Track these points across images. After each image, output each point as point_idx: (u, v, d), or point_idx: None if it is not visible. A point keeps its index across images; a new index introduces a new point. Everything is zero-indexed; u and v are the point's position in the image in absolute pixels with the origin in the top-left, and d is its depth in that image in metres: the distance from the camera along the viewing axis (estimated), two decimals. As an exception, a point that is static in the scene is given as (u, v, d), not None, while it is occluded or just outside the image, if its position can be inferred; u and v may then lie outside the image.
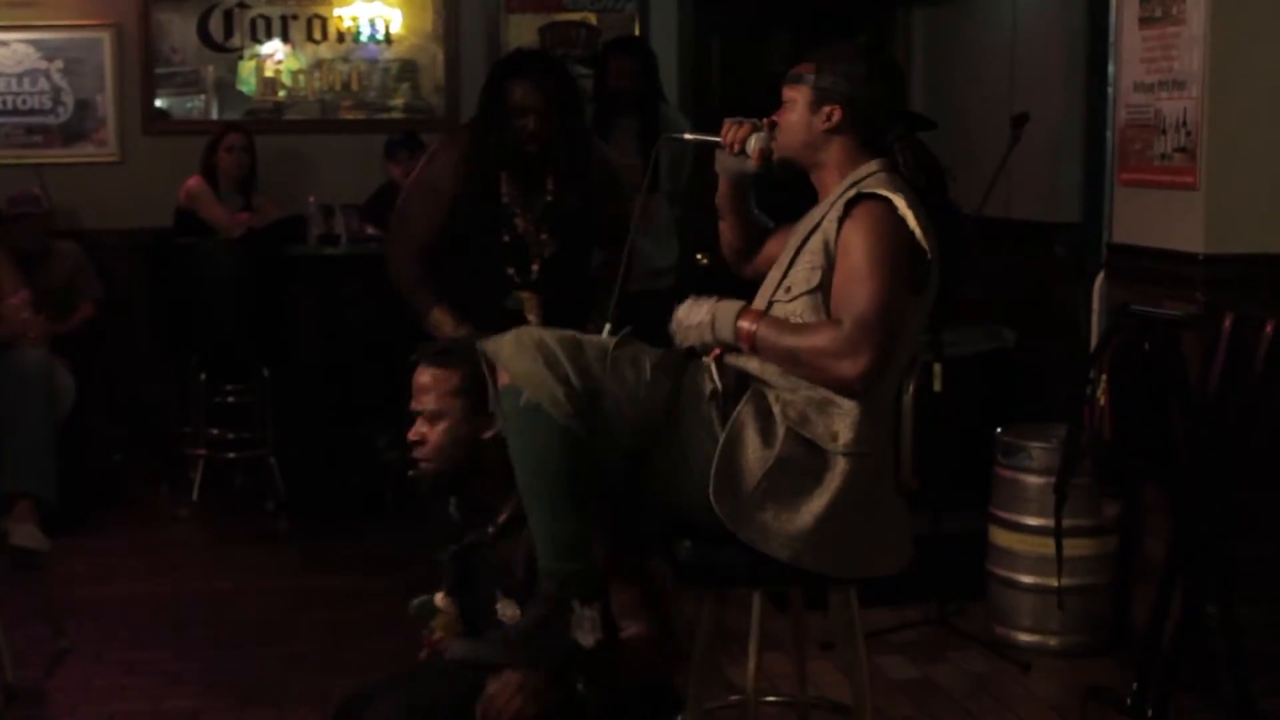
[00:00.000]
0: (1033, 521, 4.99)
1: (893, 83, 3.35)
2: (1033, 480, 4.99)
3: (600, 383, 3.04)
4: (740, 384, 3.14)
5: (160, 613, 5.49)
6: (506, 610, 3.16)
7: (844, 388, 3.01)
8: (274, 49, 7.79)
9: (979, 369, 5.99)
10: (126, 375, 7.36)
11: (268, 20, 7.75)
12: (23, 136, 7.63)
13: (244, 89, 7.79)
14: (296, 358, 7.13)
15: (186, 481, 7.00)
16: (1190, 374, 4.38)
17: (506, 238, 4.65)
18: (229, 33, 7.75)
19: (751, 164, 3.47)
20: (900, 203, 3.08)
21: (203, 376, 6.96)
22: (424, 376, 3.31)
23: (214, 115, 7.75)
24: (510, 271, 4.65)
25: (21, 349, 6.10)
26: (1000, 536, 5.14)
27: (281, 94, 7.83)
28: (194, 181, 7.15)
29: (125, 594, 5.70)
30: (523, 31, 7.83)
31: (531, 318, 4.60)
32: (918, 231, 3.06)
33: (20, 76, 7.60)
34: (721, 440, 3.05)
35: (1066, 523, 4.54)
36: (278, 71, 7.82)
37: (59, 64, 7.62)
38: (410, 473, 3.35)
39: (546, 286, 4.68)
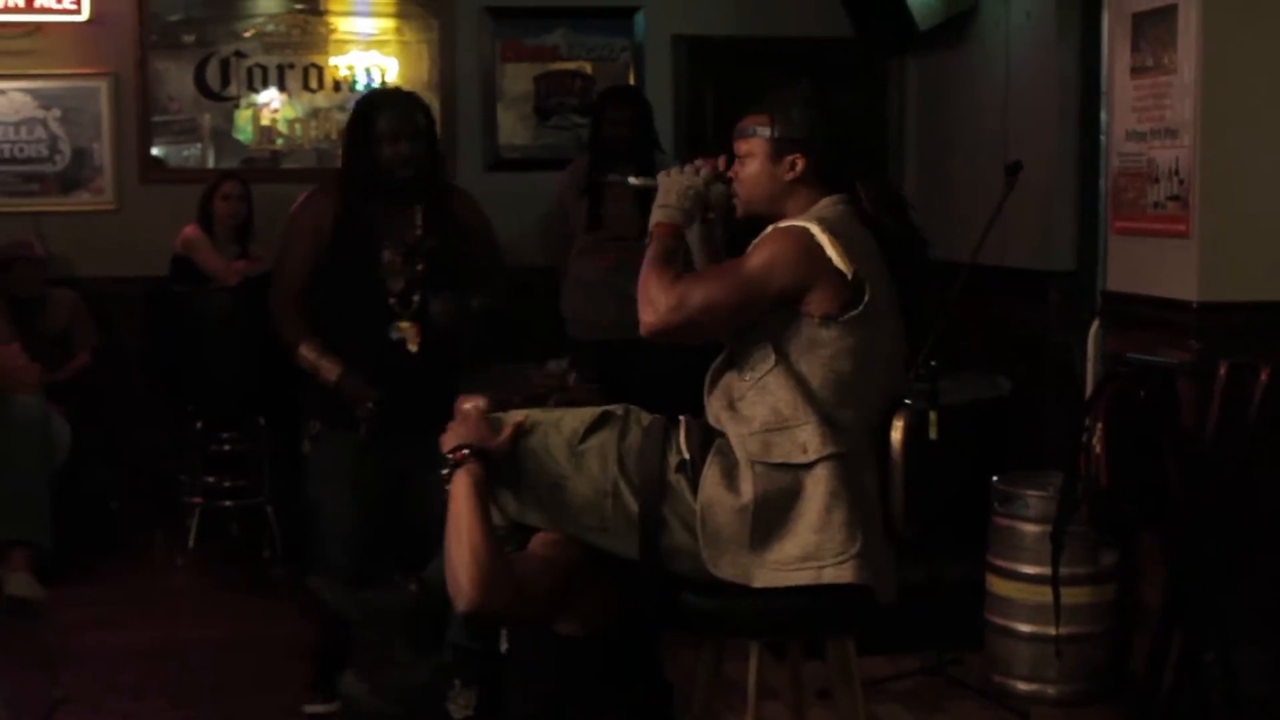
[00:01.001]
0: (1030, 570, 4.99)
1: (846, 121, 3.37)
2: (1030, 528, 4.99)
3: (566, 479, 3.13)
4: (705, 443, 3.18)
5: (156, 661, 5.48)
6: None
7: (640, 317, 3.19)
8: (270, 98, 7.81)
9: (975, 417, 5.99)
10: (122, 423, 7.35)
11: (264, 69, 7.78)
12: (19, 185, 7.64)
13: (241, 138, 7.82)
14: (292, 405, 7.12)
15: (183, 530, 6.99)
16: (1185, 421, 4.40)
17: (384, 269, 4.64)
18: (225, 81, 7.77)
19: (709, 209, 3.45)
20: (817, 229, 3.11)
21: (199, 424, 6.96)
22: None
23: (210, 164, 7.77)
24: (391, 302, 4.65)
25: (17, 396, 6.11)
26: (997, 585, 5.14)
27: (278, 142, 7.86)
28: (190, 230, 7.17)
29: (122, 643, 5.68)
30: (518, 80, 7.86)
31: (413, 348, 4.61)
32: (835, 257, 3.08)
33: (18, 125, 7.62)
34: (698, 513, 3.09)
35: (1064, 571, 4.55)
36: (274, 120, 7.85)
37: (56, 112, 7.64)
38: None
39: (426, 317, 4.67)
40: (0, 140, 7.62)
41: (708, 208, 3.39)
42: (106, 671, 5.33)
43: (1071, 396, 5.52)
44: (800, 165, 3.26)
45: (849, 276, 3.08)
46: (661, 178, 3.42)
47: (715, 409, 3.23)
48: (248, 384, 6.86)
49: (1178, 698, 4.26)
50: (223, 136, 7.81)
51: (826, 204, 3.23)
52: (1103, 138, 5.27)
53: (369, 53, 7.85)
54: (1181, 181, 4.70)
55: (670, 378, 6.83)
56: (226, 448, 7.09)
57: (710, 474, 3.10)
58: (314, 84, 7.83)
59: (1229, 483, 4.27)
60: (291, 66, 7.82)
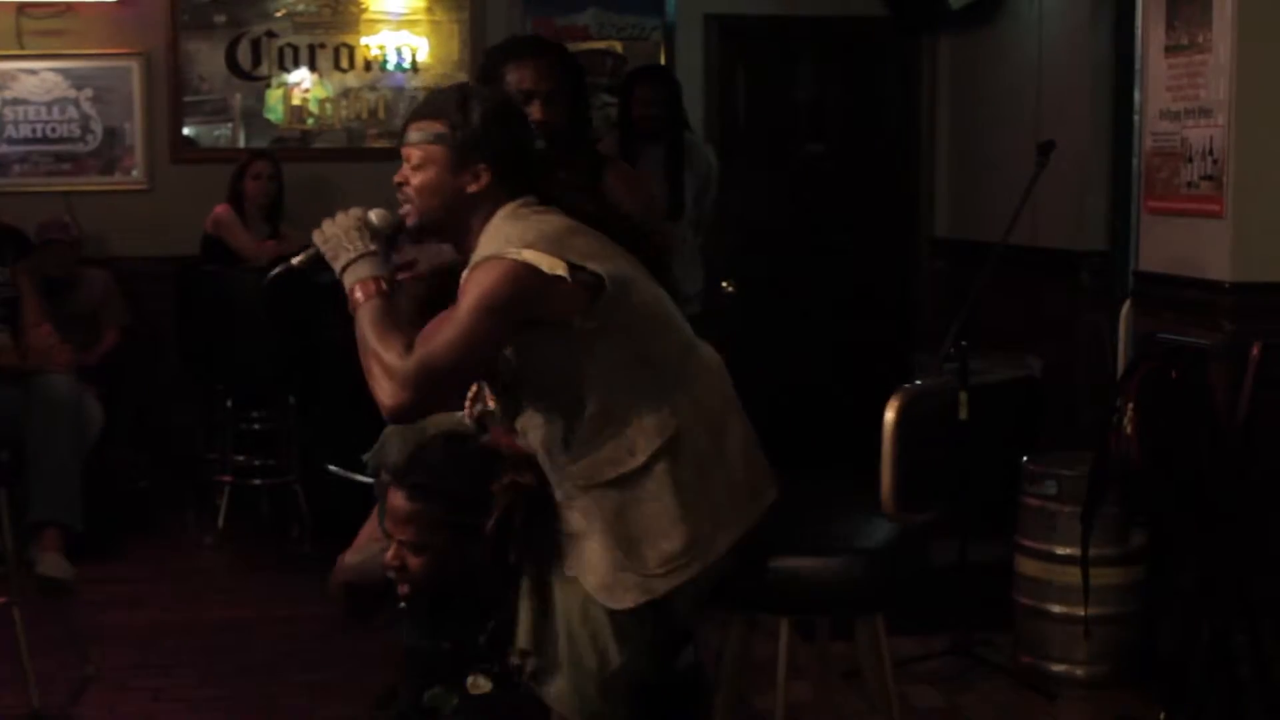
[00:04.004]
0: (1060, 550, 4.97)
1: (524, 120, 3.13)
2: (1059, 509, 4.97)
3: None
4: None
5: (185, 640, 5.50)
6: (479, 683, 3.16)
7: (377, 401, 2.89)
8: (301, 77, 7.82)
9: (1005, 397, 5.96)
10: (153, 402, 7.38)
11: (295, 49, 7.78)
12: (52, 164, 7.67)
13: (271, 117, 7.83)
14: (322, 384, 7.14)
15: (212, 508, 7.01)
16: (1217, 402, 4.37)
17: None
18: (257, 61, 7.78)
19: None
20: (515, 252, 2.86)
21: (229, 403, 6.98)
22: (401, 504, 3.13)
23: (241, 143, 7.78)
24: None
25: (49, 377, 6.15)
26: (1027, 565, 5.12)
27: (309, 122, 7.86)
28: (221, 209, 7.19)
29: (151, 621, 5.71)
30: (549, 60, 7.84)
31: None
32: (545, 266, 2.83)
33: (50, 105, 7.64)
34: (571, 569, 3.01)
35: (1093, 552, 4.52)
36: (305, 100, 7.86)
37: (88, 93, 7.66)
38: (401, 604, 3.23)
39: None
40: (33, 120, 7.64)
41: (373, 236, 3.03)
42: (136, 650, 5.36)
43: (1103, 377, 5.49)
44: (486, 178, 2.98)
45: (568, 277, 2.84)
46: (317, 237, 3.05)
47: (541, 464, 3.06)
48: (278, 363, 6.87)
49: (1207, 679, 4.24)
50: (254, 116, 7.82)
51: (509, 211, 2.98)
52: (1136, 117, 5.23)
53: (400, 32, 7.85)
54: (1215, 161, 4.67)
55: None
56: (256, 427, 7.10)
57: (561, 527, 3.02)
58: (345, 64, 7.83)
59: (1261, 464, 4.25)
60: (322, 46, 7.82)
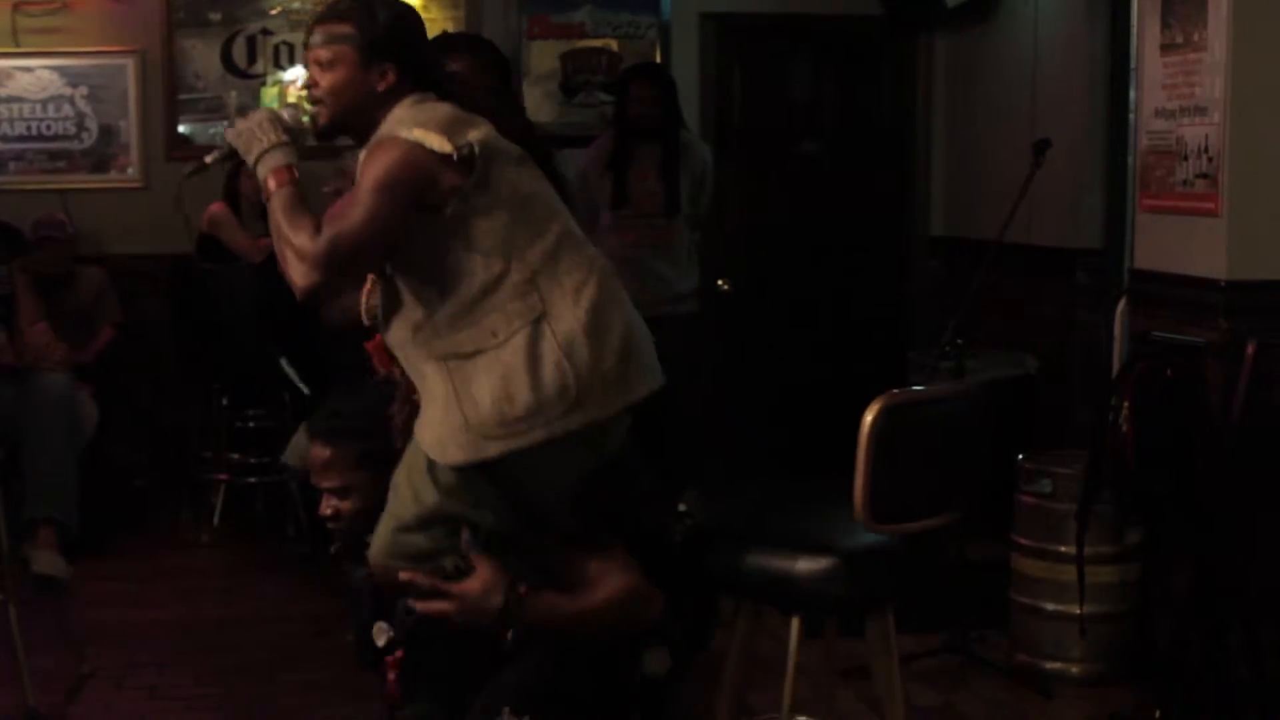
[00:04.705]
0: (1055, 548, 4.97)
1: (423, 26, 3.21)
2: (1055, 507, 4.98)
3: None
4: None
5: (181, 638, 5.50)
6: None
7: (290, 282, 2.98)
8: (296, 75, 7.81)
9: (1001, 395, 5.97)
10: (148, 400, 7.38)
11: (290, 47, 7.77)
12: (46, 162, 7.66)
13: (266, 115, 7.81)
14: (318, 382, 7.14)
15: (208, 507, 7.02)
16: (1213, 400, 4.37)
17: None
18: (252, 59, 7.78)
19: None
20: (405, 132, 2.98)
21: (224, 401, 6.98)
22: (322, 454, 3.31)
23: (237, 142, 7.76)
24: None
25: (44, 374, 6.15)
26: (1022, 563, 5.12)
27: (304, 119, 7.84)
28: (216, 207, 7.18)
29: (147, 619, 5.71)
30: (544, 57, 7.84)
31: None
32: (438, 143, 2.95)
33: (45, 103, 7.64)
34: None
35: (1088, 550, 4.53)
36: (300, 97, 7.84)
37: (83, 90, 7.65)
38: (332, 548, 3.38)
39: None
40: (28, 117, 7.64)
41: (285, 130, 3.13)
42: (131, 647, 5.36)
43: (1098, 375, 5.49)
44: (393, 77, 3.08)
45: (454, 155, 2.96)
46: (229, 134, 3.18)
47: (402, 349, 3.13)
48: (273, 361, 6.87)
49: (1202, 678, 4.25)
50: (248, 113, 7.80)
51: (407, 103, 3.08)
52: (1131, 115, 5.23)
53: (394, 30, 7.84)
54: (1210, 159, 4.67)
55: (692, 355, 6.89)
56: (252, 425, 7.10)
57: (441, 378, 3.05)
58: (340, 61, 7.82)
59: (1256, 462, 4.25)
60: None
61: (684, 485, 3.59)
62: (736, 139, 8.00)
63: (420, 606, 3.09)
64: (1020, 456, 5.17)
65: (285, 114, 3.17)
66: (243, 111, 7.75)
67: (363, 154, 3.07)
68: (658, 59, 7.88)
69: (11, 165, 7.61)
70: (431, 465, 3.04)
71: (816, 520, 3.55)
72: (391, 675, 3.29)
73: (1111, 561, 4.95)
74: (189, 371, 7.20)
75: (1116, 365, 4.98)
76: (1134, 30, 5.21)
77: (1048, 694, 4.90)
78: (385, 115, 3.08)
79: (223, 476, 7.02)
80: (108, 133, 7.70)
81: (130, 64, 7.66)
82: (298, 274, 2.95)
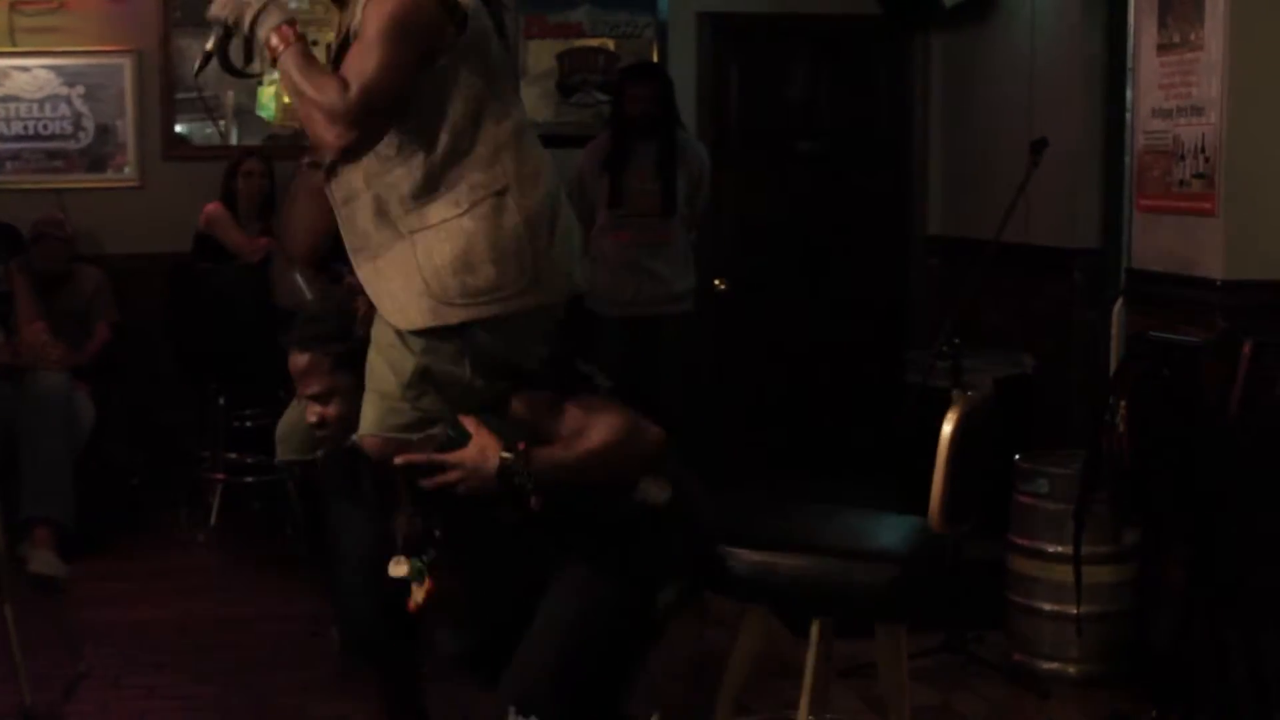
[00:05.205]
0: (1052, 548, 4.97)
1: None
2: (1052, 507, 4.98)
3: None
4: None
5: (178, 637, 5.49)
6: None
7: (320, 143, 3.00)
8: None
9: (998, 394, 5.97)
10: (145, 400, 7.36)
11: (287, 46, 7.76)
12: (44, 161, 7.65)
13: (264, 115, 7.79)
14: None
15: (204, 506, 7.01)
16: (1210, 400, 4.37)
17: None
18: (249, 59, 7.73)
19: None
20: None
21: (221, 401, 6.97)
22: (300, 361, 3.45)
23: (233, 141, 7.76)
24: None
25: (41, 374, 6.15)
26: (1019, 563, 5.12)
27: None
28: (213, 207, 7.18)
29: (143, 618, 5.70)
30: (541, 57, 7.83)
31: None
32: None
33: (42, 102, 7.63)
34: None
35: (1086, 549, 4.53)
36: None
37: (80, 89, 7.64)
38: (319, 452, 3.50)
39: None
40: (25, 117, 7.62)
41: None
42: (128, 647, 5.35)
43: (1095, 374, 5.50)
44: None
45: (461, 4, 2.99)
46: (215, 9, 3.20)
47: (367, 239, 3.13)
48: (270, 360, 6.85)
49: (1200, 677, 4.24)
50: (246, 114, 7.80)
51: None
52: (1128, 115, 5.24)
53: (392, 30, 7.83)
54: (1207, 159, 4.67)
55: (689, 355, 6.89)
56: (249, 424, 7.09)
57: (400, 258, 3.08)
58: (337, 61, 7.81)
59: (1253, 462, 4.25)
60: (315, 44, 7.71)
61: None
62: (734, 138, 8.00)
63: (425, 484, 3.11)
64: (1017, 456, 5.17)
65: None
66: (239, 112, 7.76)
67: (360, 5, 3.04)
68: (655, 58, 7.88)
69: (8, 165, 7.59)
70: (400, 334, 3.07)
71: (847, 522, 3.59)
72: (421, 596, 3.26)
73: (1109, 561, 4.95)
74: (186, 370, 7.19)
75: (1114, 365, 4.99)
76: (1131, 30, 5.21)
77: (1045, 694, 4.90)
78: None
79: (219, 476, 7.02)
80: (104, 132, 7.69)
81: (127, 63, 7.65)
82: (333, 134, 2.95)
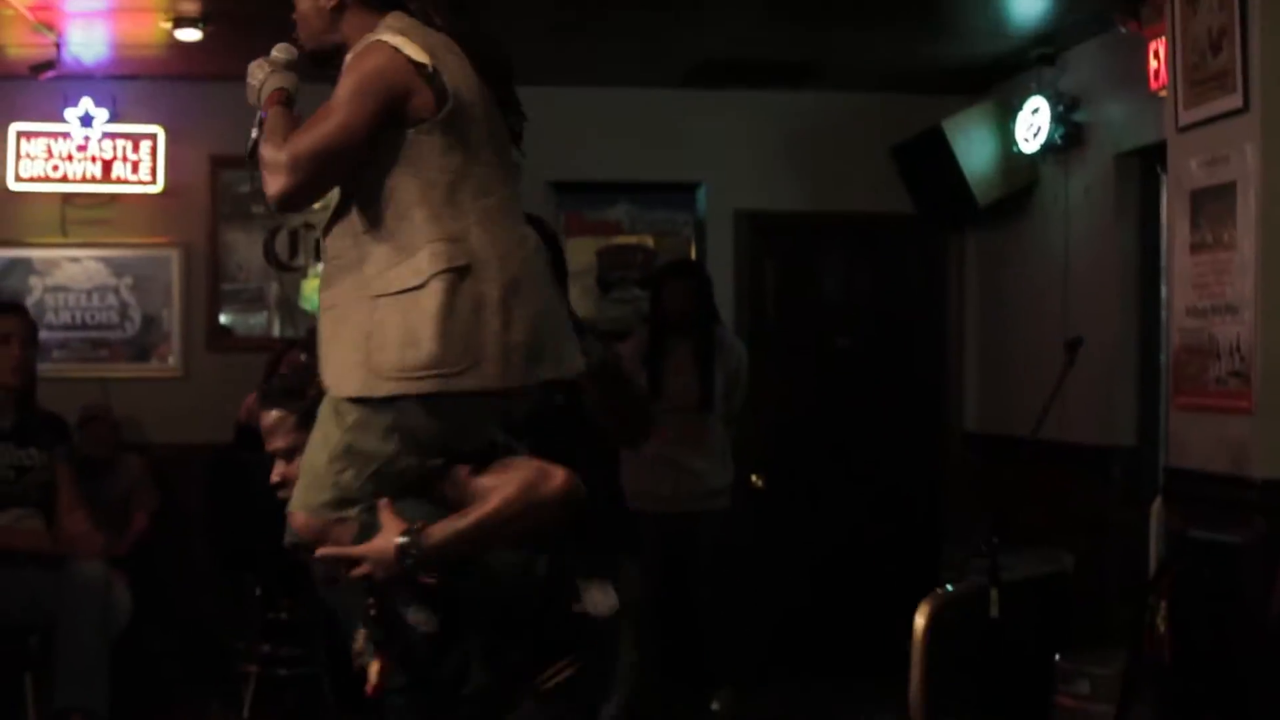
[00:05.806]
0: (1094, 750, 4.90)
1: None
2: (1094, 708, 4.91)
3: None
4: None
5: (208, 832, 5.43)
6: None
7: (266, 194, 3.01)
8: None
9: (1037, 594, 5.92)
10: (182, 588, 7.37)
11: (332, 241, 7.89)
12: (89, 351, 7.75)
13: (307, 307, 7.91)
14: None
15: (237, 698, 6.96)
16: (1251, 600, 4.33)
17: None
18: (294, 252, 7.90)
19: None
20: (386, 35, 3.03)
21: (257, 591, 6.96)
22: (268, 419, 3.54)
23: (276, 332, 7.87)
24: None
25: (79, 562, 6.15)
26: (1061, 765, 5.04)
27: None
28: (255, 398, 7.23)
29: (174, 812, 5.64)
30: (581, 253, 7.90)
31: None
32: (412, 51, 3.00)
33: (90, 292, 7.76)
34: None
35: (1128, 752, 4.46)
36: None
37: (128, 280, 7.78)
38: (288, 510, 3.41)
39: None
40: (73, 306, 7.75)
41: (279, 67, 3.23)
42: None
43: (1135, 573, 5.46)
44: None
45: (429, 67, 3.00)
46: (250, 98, 3.23)
47: (335, 308, 3.13)
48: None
49: None
50: (289, 305, 7.92)
51: (385, 20, 3.11)
52: (1164, 313, 5.27)
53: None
54: (1243, 358, 4.69)
55: (729, 552, 6.86)
56: (284, 616, 7.07)
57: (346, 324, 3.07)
58: (380, 255, 7.92)
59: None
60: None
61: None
62: (771, 334, 8.06)
63: (343, 576, 3.11)
64: (1057, 656, 5.11)
65: (275, 52, 3.23)
66: (283, 303, 7.87)
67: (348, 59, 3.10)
68: (693, 255, 7.97)
69: (55, 353, 7.68)
70: (336, 406, 3.06)
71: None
72: (375, 671, 3.25)
73: (1152, 764, 4.86)
74: (223, 561, 7.19)
75: (1153, 564, 4.95)
76: (1164, 229, 5.27)
77: None
78: (350, 30, 3.13)
79: (253, 668, 6.98)
80: (150, 322, 7.80)
81: (175, 255, 7.79)
82: (270, 185, 2.99)
